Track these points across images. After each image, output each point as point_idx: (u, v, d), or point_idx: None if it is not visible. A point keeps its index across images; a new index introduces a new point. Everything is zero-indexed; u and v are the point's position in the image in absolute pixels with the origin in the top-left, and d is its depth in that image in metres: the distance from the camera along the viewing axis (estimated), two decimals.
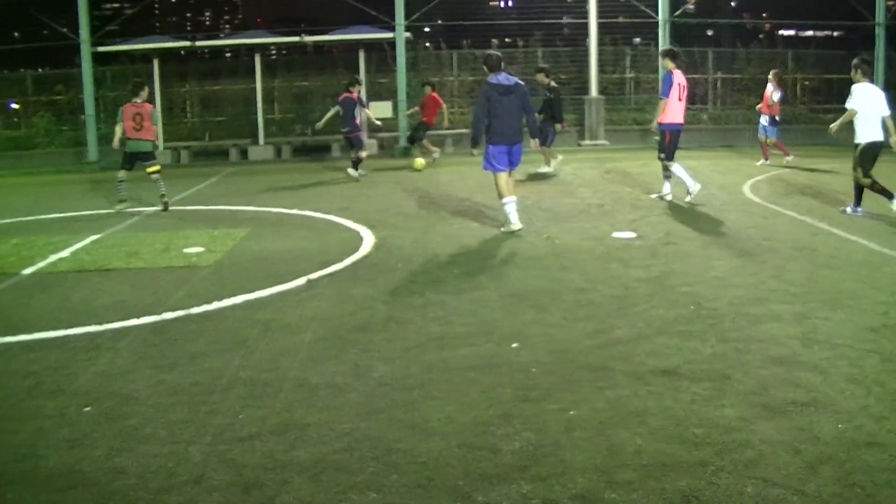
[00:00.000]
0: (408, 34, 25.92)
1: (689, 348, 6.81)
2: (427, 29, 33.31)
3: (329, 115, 19.55)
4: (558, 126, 19.41)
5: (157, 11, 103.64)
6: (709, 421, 5.36)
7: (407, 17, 25.63)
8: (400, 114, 25.20)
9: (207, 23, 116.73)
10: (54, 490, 4.82)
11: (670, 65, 14.20)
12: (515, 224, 11.94)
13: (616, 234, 11.55)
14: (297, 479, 4.77)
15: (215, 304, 8.54)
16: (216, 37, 31.60)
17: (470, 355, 6.77)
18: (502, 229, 12.01)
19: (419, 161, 20.47)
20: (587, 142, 26.87)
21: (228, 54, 32.62)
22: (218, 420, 5.65)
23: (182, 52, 27.61)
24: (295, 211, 14.34)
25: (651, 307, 8.02)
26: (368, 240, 11.59)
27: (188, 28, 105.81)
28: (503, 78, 11.81)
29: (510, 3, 37.97)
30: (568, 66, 29.08)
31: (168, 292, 9.23)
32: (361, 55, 25.75)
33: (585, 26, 27.41)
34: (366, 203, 15.04)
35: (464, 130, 26.59)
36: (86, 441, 5.45)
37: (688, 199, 13.88)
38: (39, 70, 33.18)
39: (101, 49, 26.00)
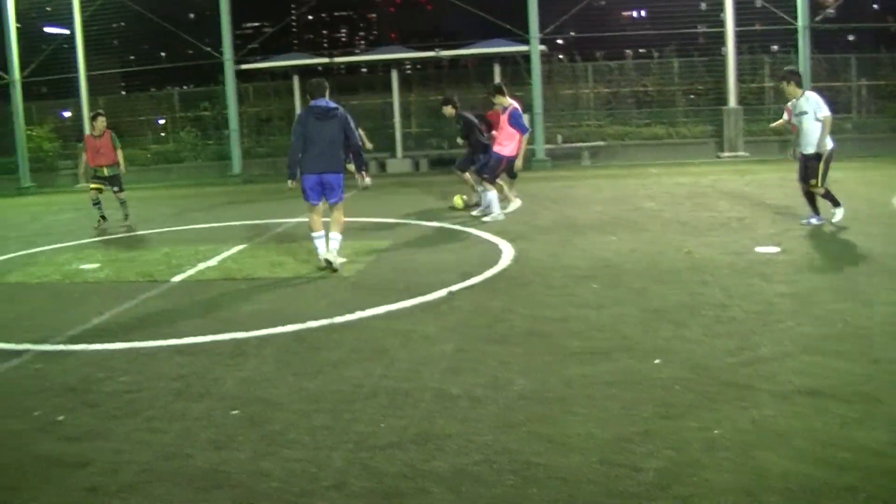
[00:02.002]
0: (542, 47, 25.89)
1: (837, 368, 6.58)
2: (560, 41, 33.16)
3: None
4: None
5: (294, 30, 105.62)
6: (858, 445, 5.16)
7: (541, 29, 25.60)
8: (536, 126, 25.14)
9: (343, 39, 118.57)
10: (200, 489, 4.97)
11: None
12: (322, 258, 11.15)
13: (759, 249, 11.26)
14: (437, 490, 4.79)
15: (357, 314, 8.67)
16: (352, 53, 32.14)
17: (610, 370, 6.70)
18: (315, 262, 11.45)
19: (458, 199, 17.01)
20: (726, 154, 26.38)
21: (364, 69, 33.11)
22: (359, 428, 5.73)
23: (319, 68, 28.14)
24: (434, 223, 14.44)
25: (797, 324, 7.79)
26: (507, 253, 11.60)
27: (324, 45, 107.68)
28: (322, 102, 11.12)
29: (643, 14, 37.25)
30: (704, 77, 28.56)
31: (311, 301, 9.43)
32: (496, 68, 25.85)
33: (720, 35, 26.95)
34: (504, 216, 15.03)
35: (600, 143, 26.48)
36: (231, 443, 5.60)
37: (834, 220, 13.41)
38: (185, 88, 34.16)
39: (243, 67, 26.72)
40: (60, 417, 6.34)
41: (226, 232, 14.67)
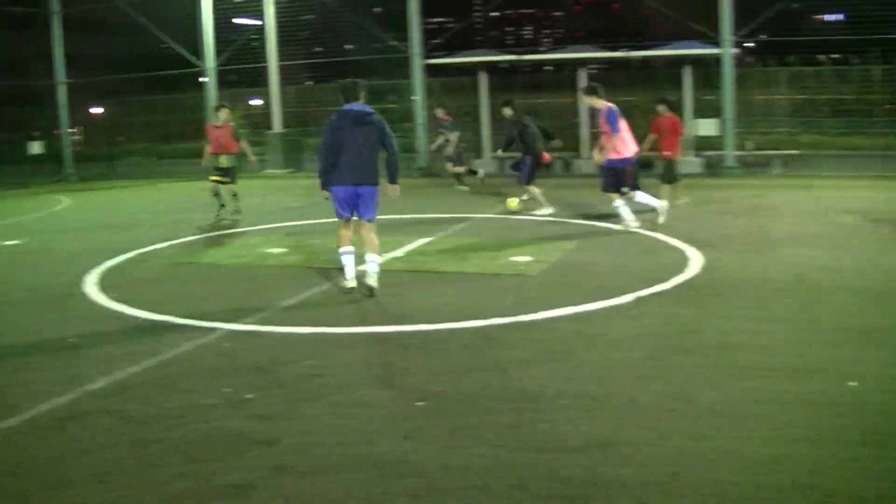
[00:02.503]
0: (736, 50, 25.21)
1: None
2: (751, 44, 32.14)
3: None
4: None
5: (479, 26, 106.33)
6: None
7: (733, 31, 24.91)
8: (727, 132, 24.53)
9: (527, 37, 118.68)
10: (385, 476, 4.99)
11: None
12: (350, 280, 9.98)
13: None
14: (622, 500, 4.66)
15: (543, 314, 8.58)
16: (536, 51, 32.00)
17: (803, 391, 6.39)
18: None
19: (512, 201, 16.87)
20: None
21: (549, 68, 32.94)
22: (544, 429, 5.65)
23: (503, 66, 28.13)
24: (620, 226, 14.22)
25: None
26: (696, 260, 11.28)
27: (508, 42, 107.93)
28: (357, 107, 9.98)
29: (841, 17, 35.66)
30: None
31: (497, 298, 9.40)
32: (686, 71, 25.34)
33: None
34: (693, 223, 14.68)
35: (793, 152, 25.62)
36: (417, 434, 5.61)
37: None
38: (371, 80, 34.69)
39: (431, 62, 26.95)
40: (250, 396, 6.48)
41: (411, 224, 14.82)
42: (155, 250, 13.38)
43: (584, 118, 25.72)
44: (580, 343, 7.63)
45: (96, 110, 36.63)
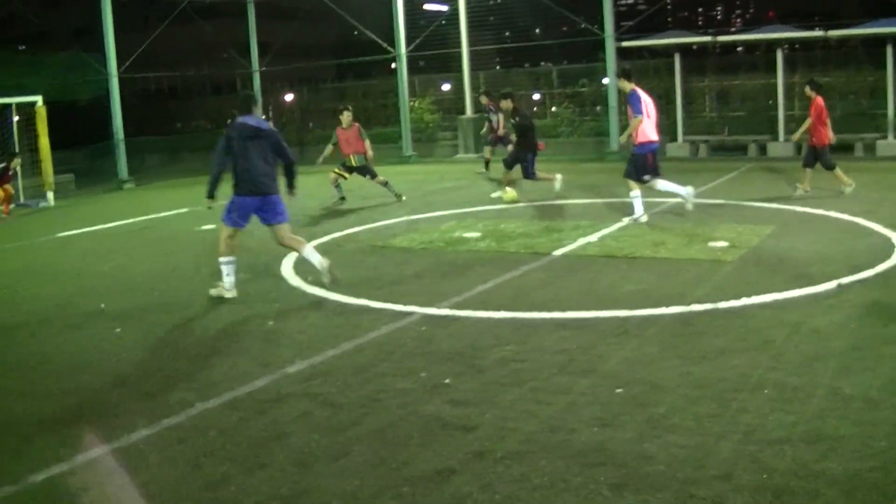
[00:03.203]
0: None
1: None
2: None
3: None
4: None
5: (668, 7, 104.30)
6: None
7: None
8: None
9: (718, 17, 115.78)
10: (583, 464, 4.96)
11: None
12: (229, 291, 10.02)
13: None
14: (829, 492, 4.50)
15: (742, 301, 8.34)
16: (726, 32, 31.12)
17: None
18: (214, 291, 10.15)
19: (509, 193, 16.57)
20: None
21: (740, 49, 32.03)
22: (747, 419, 5.50)
23: (694, 47, 27.48)
24: (819, 211, 13.70)
25: None
26: None
27: (699, 23, 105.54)
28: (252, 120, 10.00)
29: None
30: None
31: (693, 284, 9.20)
32: (889, 50, 24.15)
33: None
34: (893, 207, 13.98)
35: None
36: (615, 422, 5.55)
37: None
38: (563, 64, 34.46)
39: (623, 44, 26.57)
40: (447, 380, 6.54)
41: (605, 209, 14.66)
42: (350, 234, 13.67)
43: (781, 100, 24.89)
44: (780, 332, 7.37)
45: (288, 97, 37.57)
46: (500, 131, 21.82)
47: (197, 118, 43.05)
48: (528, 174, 16.76)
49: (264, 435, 5.78)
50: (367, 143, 17.90)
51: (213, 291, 10.13)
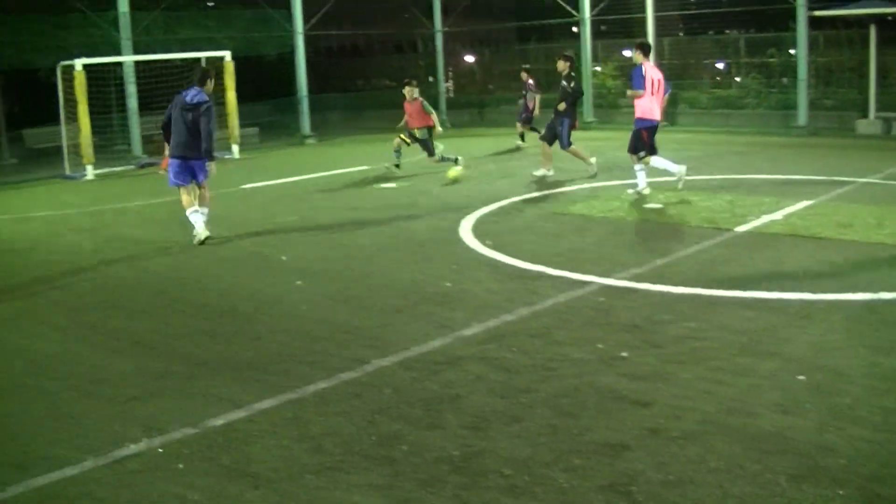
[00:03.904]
0: None
1: None
2: None
3: None
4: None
5: None
6: None
7: None
8: None
9: None
10: (761, 451, 4.84)
11: None
12: (200, 233, 11.76)
13: None
14: None
15: None
16: None
17: None
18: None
19: (454, 171, 16.74)
20: None
21: None
22: None
23: (891, 18, 26.18)
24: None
25: None
26: None
27: None
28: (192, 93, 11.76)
29: None
30: None
31: (883, 270, 8.79)
32: None
33: None
34: None
35: None
36: (797, 409, 5.38)
37: None
38: (750, 32, 33.44)
39: (816, 14, 25.57)
40: (624, 354, 6.46)
41: (790, 186, 14.16)
42: (530, 199, 13.64)
43: None
44: None
45: (468, 58, 37.64)
46: (536, 112, 22.20)
47: (378, 76, 43.58)
48: (564, 145, 16.41)
49: (438, 396, 5.84)
50: (434, 116, 18.05)
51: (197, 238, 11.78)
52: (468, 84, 35.93)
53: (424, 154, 17.92)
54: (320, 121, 29.43)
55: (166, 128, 11.98)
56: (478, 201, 13.55)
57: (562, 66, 16.77)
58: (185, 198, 11.90)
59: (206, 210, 12.02)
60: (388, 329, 7.45)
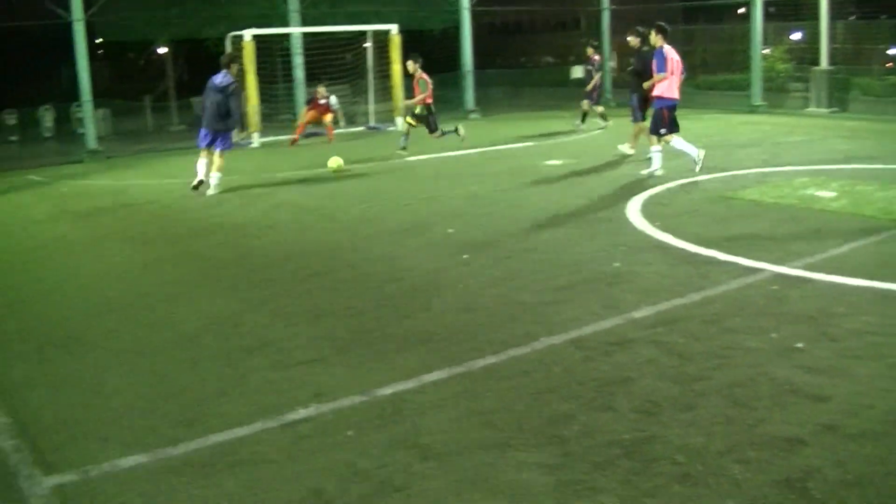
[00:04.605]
0: None
1: None
2: None
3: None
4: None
5: None
6: None
7: None
8: None
9: None
10: None
11: None
12: (195, 181, 14.85)
13: None
14: None
15: None
16: None
17: None
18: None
19: (335, 161, 16.54)
20: None
21: None
22: None
23: None
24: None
25: None
26: None
27: None
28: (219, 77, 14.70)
29: None
30: None
31: None
32: None
33: None
34: None
35: None
36: None
37: None
38: None
39: None
40: (799, 345, 6.30)
41: None
42: (697, 181, 13.39)
43: None
44: None
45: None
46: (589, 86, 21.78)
47: (541, 53, 43.50)
48: (637, 117, 16.40)
49: (609, 377, 5.81)
50: (421, 95, 18.16)
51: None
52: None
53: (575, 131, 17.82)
54: (482, 97, 29.53)
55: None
56: (645, 181, 13.40)
57: (634, 41, 16.76)
58: (203, 157, 14.92)
59: (218, 175, 14.85)
60: (556, 306, 7.44)
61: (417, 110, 18.38)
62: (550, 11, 44.21)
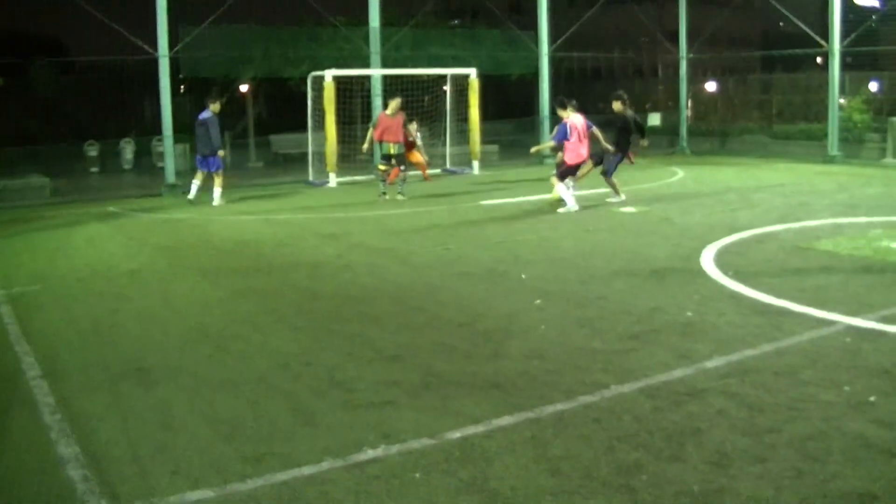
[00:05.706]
0: None
1: None
2: None
3: None
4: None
5: None
6: None
7: None
8: None
9: None
10: None
11: None
12: (191, 196, 19.82)
13: None
14: None
15: None
16: None
17: None
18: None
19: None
20: None
21: None
22: None
23: None
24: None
25: None
26: None
27: None
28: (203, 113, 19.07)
29: None
30: None
31: None
32: None
33: None
34: None
35: None
36: None
37: None
38: None
39: None
40: (872, 398, 6.24)
41: None
42: (771, 232, 13.29)
43: None
44: None
45: (709, 85, 37.08)
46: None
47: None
48: (608, 172, 17.62)
49: (679, 427, 5.79)
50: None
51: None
52: (709, 112, 35.36)
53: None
54: None
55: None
56: (719, 230, 13.34)
57: (617, 106, 18.54)
58: (199, 177, 19.55)
59: (219, 190, 19.39)
60: (627, 355, 7.43)
61: (394, 149, 19.09)
62: (629, 59, 44.41)
